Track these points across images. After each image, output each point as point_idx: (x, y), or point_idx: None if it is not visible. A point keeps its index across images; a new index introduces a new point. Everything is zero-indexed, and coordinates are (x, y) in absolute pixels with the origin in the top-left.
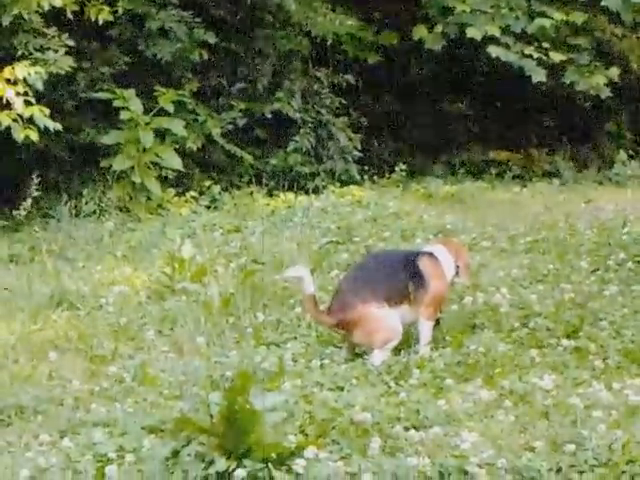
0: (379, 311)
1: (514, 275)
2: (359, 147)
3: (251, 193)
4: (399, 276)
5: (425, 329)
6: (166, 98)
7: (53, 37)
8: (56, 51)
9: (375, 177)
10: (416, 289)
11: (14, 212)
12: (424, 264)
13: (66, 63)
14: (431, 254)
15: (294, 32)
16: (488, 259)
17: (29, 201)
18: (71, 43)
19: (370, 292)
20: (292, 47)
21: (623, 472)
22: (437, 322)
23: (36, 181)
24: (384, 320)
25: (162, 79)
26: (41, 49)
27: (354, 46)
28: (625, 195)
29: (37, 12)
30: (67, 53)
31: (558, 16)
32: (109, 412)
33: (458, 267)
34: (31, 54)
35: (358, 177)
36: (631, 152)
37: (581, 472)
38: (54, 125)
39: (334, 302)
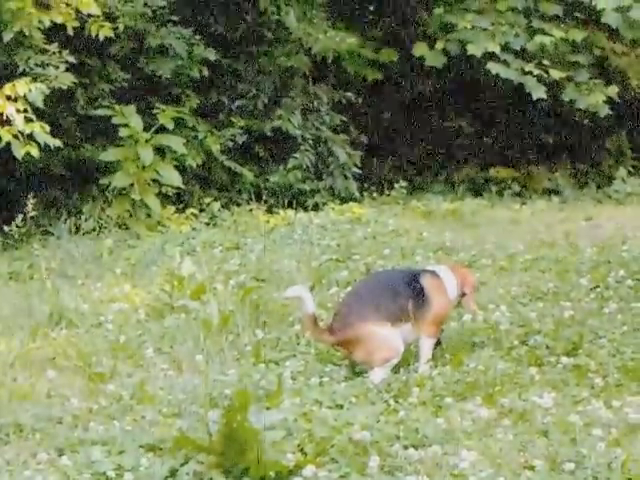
0: (380, 330)
1: (514, 293)
2: (359, 164)
3: (251, 210)
4: (401, 294)
5: (425, 347)
6: (166, 115)
7: (54, 53)
8: (57, 67)
9: (375, 194)
10: (418, 307)
11: (13, 229)
12: (426, 282)
13: (67, 79)
14: (434, 272)
15: (294, 49)
16: (488, 277)
17: (28, 218)
18: (72, 59)
19: (371, 310)
20: (292, 64)
21: None
22: (438, 342)
23: (34, 199)
24: (385, 339)
25: (162, 96)
26: (42, 65)
27: (354, 63)
28: (625, 212)
29: (38, 28)
30: (68, 69)
31: (558, 33)
32: (107, 430)
33: (464, 294)
34: (32, 70)
35: (358, 194)
36: (631, 169)
37: None
38: (54, 142)
39: (335, 320)
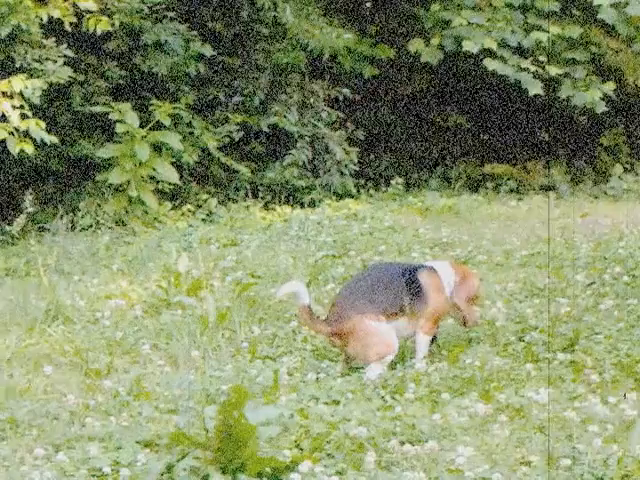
0: (375, 324)
1: (510, 289)
2: (355, 160)
3: (247, 207)
4: (397, 288)
5: (422, 343)
6: (162, 111)
7: (51, 48)
8: (55, 62)
9: (371, 191)
10: (414, 302)
11: (9, 226)
12: (424, 277)
13: (65, 73)
14: (431, 268)
15: (291, 46)
16: (484, 273)
17: (25, 215)
18: (70, 53)
19: (367, 303)
20: (289, 60)
21: None
22: (434, 338)
23: (31, 195)
24: (380, 334)
25: (158, 92)
26: (39, 60)
27: (351, 59)
28: (621, 209)
29: (35, 23)
30: (65, 64)
31: (554, 30)
32: (104, 426)
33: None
34: (29, 65)
35: (354, 190)
36: (627, 166)
37: None
38: (50, 138)
39: (331, 312)
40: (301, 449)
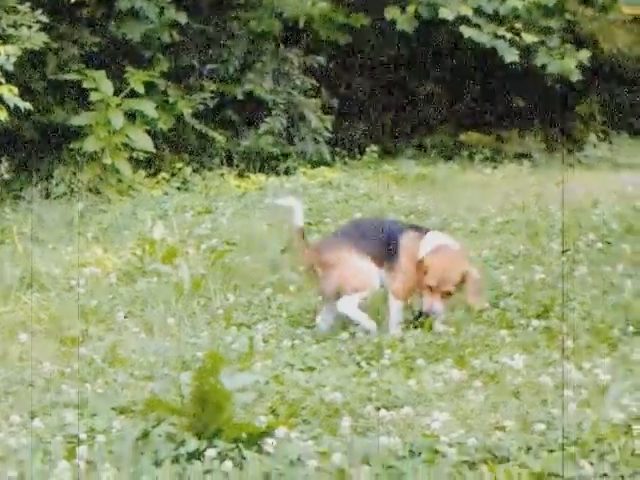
0: (358, 260)
1: (485, 256)
2: (330, 128)
3: (222, 174)
4: (380, 241)
5: (394, 309)
6: (136, 79)
7: (26, 13)
8: (30, 27)
9: (346, 158)
10: (391, 258)
11: None
12: (402, 238)
13: (40, 39)
14: (420, 232)
15: (266, 13)
16: (459, 240)
17: None
18: (44, 19)
19: (354, 244)
20: (264, 28)
21: (592, 450)
22: (420, 314)
23: (6, 162)
24: (361, 270)
25: (132, 60)
26: (14, 25)
27: (326, 27)
28: (595, 177)
29: None
30: (40, 30)
31: None
32: (80, 393)
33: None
34: (4, 31)
35: (329, 158)
36: (601, 134)
37: (551, 451)
38: (24, 105)
39: (321, 243)
40: (277, 415)
